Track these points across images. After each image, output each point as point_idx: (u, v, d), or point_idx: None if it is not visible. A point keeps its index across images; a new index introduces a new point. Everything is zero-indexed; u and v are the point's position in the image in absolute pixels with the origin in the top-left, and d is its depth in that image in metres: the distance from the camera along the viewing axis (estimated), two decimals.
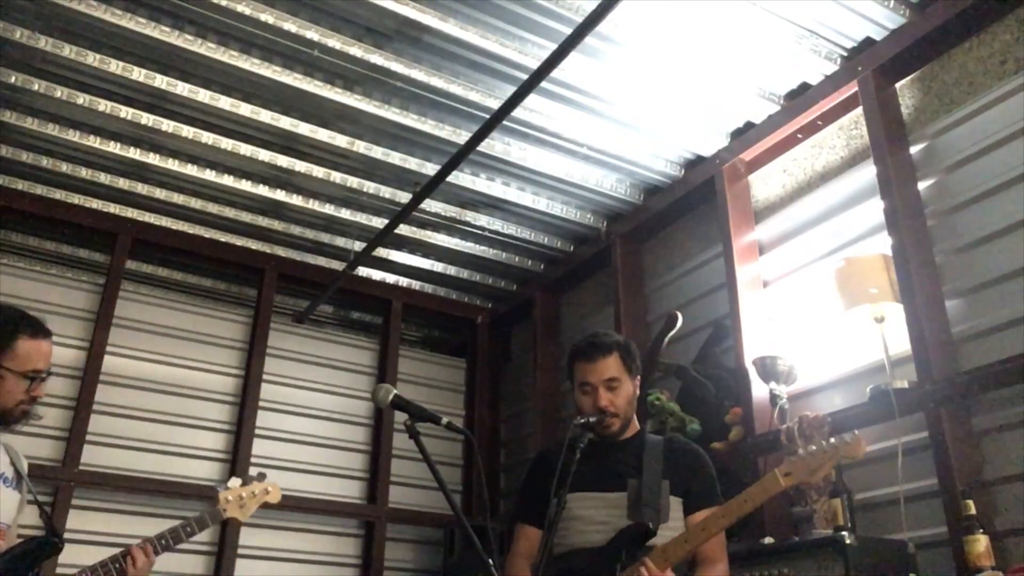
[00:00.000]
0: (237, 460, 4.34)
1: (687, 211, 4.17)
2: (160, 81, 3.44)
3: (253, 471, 4.27)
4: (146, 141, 3.86)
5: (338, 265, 4.71)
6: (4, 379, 2.05)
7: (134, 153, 3.89)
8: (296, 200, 4.28)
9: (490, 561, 1.80)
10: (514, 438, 5.22)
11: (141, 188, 4.17)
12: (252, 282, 4.89)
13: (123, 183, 4.12)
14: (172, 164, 3.98)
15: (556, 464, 2.11)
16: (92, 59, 3.31)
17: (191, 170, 4.02)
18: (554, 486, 2.08)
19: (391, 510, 4.71)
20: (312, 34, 3.21)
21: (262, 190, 4.19)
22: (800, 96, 3.51)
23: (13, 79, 3.40)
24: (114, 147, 3.85)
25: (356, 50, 3.29)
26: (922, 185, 3.03)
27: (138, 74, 3.40)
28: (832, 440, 1.99)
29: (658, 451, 2.28)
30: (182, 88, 3.48)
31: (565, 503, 2.08)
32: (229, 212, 4.39)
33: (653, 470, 2.22)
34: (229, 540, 4.17)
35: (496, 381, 5.43)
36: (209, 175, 4.06)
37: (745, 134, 3.76)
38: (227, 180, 4.10)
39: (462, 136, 3.73)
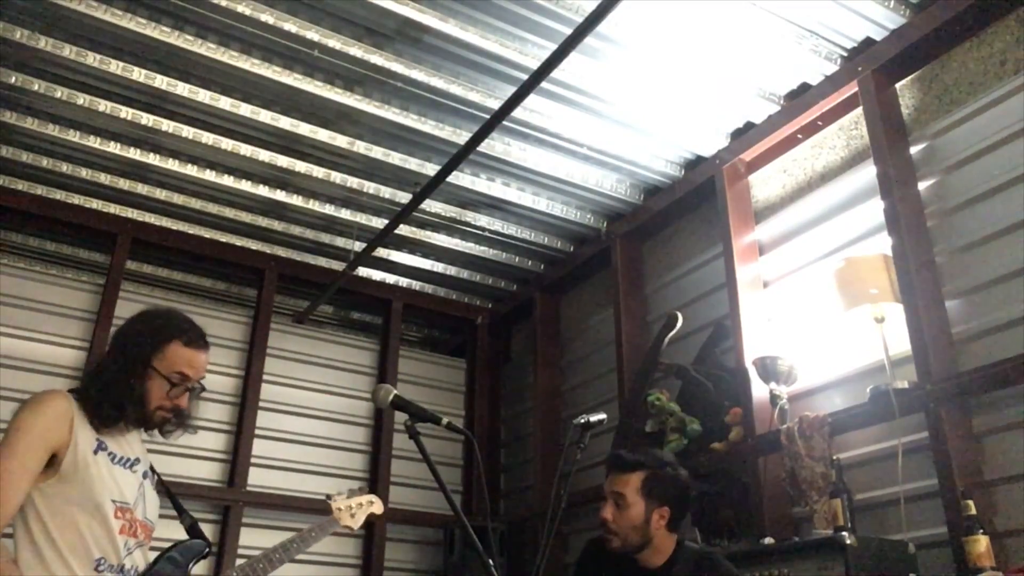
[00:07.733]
0: (237, 460, 4.34)
1: (687, 211, 4.17)
2: (160, 81, 3.44)
3: (255, 471, 4.35)
4: (146, 141, 3.86)
5: (338, 265, 4.71)
6: (151, 379, 1.96)
7: (134, 153, 3.89)
8: (296, 200, 4.28)
9: (490, 561, 1.80)
10: (514, 438, 5.21)
11: (141, 188, 4.17)
12: (252, 282, 4.89)
13: (123, 183, 4.12)
14: (172, 164, 3.98)
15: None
16: (92, 59, 3.31)
17: (191, 170, 4.02)
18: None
19: (391, 510, 4.70)
20: (312, 34, 3.21)
21: (262, 190, 4.19)
22: (800, 96, 3.51)
23: (13, 79, 3.40)
24: (114, 147, 3.85)
25: (356, 50, 3.29)
26: (922, 185, 3.03)
27: (138, 74, 3.40)
28: None
29: None
30: (182, 88, 3.49)
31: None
32: (229, 212, 4.39)
33: None
34: (229, 540, 4.17)
35: (496, 381, 5.43)
36: (209, 175, 4.06)
37: (745, 134, 3.76)
38: (227, 180, 4.10)
39: (462, 136, 3.73)
